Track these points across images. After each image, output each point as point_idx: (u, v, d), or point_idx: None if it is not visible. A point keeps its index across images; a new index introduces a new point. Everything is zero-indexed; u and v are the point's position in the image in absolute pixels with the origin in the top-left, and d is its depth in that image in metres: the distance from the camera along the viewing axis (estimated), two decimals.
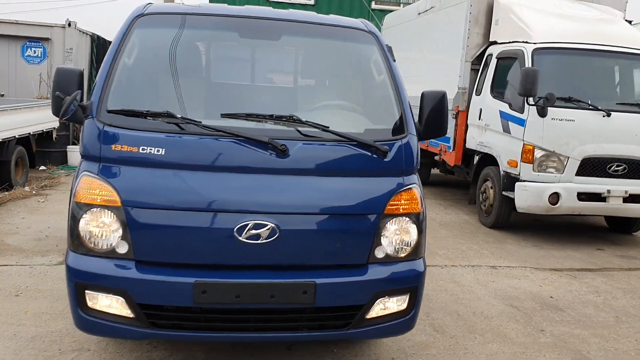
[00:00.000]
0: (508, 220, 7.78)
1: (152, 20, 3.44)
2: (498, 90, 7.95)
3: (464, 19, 8.64)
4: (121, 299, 2.85)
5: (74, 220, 2.91)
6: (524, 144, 7.08)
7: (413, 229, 3.09)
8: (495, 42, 8.32)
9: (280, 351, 3.66)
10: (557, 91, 6.88)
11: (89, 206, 2.88)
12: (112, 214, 2.86)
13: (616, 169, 7.02)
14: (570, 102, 6.95)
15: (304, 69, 3.61)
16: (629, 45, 7.42)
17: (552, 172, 7.01)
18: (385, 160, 3.08)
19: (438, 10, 9.87)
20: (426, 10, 10.40)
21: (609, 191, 6.97)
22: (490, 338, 4.17)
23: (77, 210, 2.90)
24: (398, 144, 3.13)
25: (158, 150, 2.90)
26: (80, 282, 2.88)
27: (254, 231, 2.85)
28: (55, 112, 3.06)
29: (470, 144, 8.50)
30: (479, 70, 8.55)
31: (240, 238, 2.84)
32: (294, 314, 2.93)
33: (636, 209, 7.14)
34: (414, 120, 3.29)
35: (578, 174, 6.98)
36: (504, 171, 7.50)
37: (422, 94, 3.39)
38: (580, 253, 6.90)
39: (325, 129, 3.03)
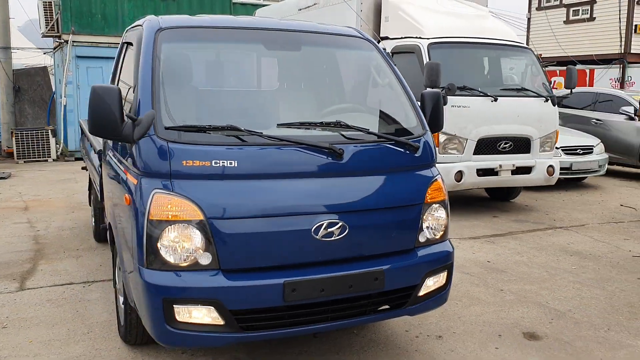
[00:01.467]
0: None
1: (175, 34, 3.50)
2: None
3: (355, 16, 9.23)
4: (212, 308, 2.97)
5: (150, 239, 2.96)
6: None
7: (443, 214, 3.56)
8: (387, 38, 9.02)
9: (310, 340, 3.95)
10: (450, 81, 7.75)
11: (168, 223, 2.95)
12: (194, 228, 2.95)
13: (504, 146, 8.10)
14: (465, 90, 7.87)
15: (324, 77, 3.88)
16: (504, 38, 8.54)
17: (455, 153, 7.90)
18: (416, 155, 3.50)
19: (322, 7, 10.36)
20: (308, 7, 10.85)
21: (500, 166, 8.05)
22: (468, 302, 4.80)
23: (153, 229, 2.95)
24: (423, 140, 3.56)
25: (230, 163, 3.04)
26: (168, 298, 2.94)
27: (328, 230, 3.12)
28: (110, 133, 3.05)
29: None
30: None
31: (316, 237, 3.11)
32: (365, 299, 3.26)
33: (522, 179, 8.31)
34: None
35: (475, 153, 7.95)
36: None
37: (422, 94, 3.85)
38: (482, 222, 7.88)
39: (368, 131, 3.38)
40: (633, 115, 11.50)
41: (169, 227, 2.95)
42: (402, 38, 8.61)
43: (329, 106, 3.69)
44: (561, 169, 10.00)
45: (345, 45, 3.87)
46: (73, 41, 14.59)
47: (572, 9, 21.45)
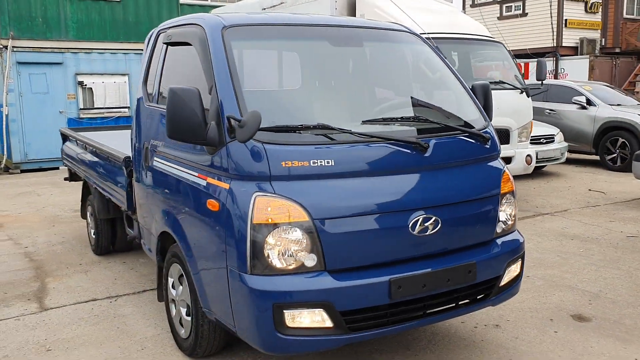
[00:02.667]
0: None
1: (241, 32, 3.38)
2: None
3: (329, 14, 9.22)
4: (322, 310, 2.89)
5: (254, 244, 2.85)
6: None
7: (513, 204, 3.63)
8: None
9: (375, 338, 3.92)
10: None
11: (273, 226, 2.85)
12: (299, 229, 2.87)
13: None
14: None
15: (387, 72, 3.84)
16: (476, 32, 8.78)
17: None
18: (486, 146, 3.54)
19: (290, 5, 10.27)
20: (274, 6, 10.73)
21: None
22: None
23: (257, 233, 2.84)
24: (488, 131, 3.61)
25: (328, 162, 2.97)
26: (278, 303, 2.84)
27: (423, 225, 3.11)
28: (194, 136, 2.95)
29: None
30: None
31: (413, 233, 3.09)
32: (458, 293, 3.26)
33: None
34: None
35: None
36: None
37: (473, 86, 3.90)
38: None
39: (445, 125, 3.40)
40: (585, 105, 12.09)
41: (275, 230, 2.85)
42: None
43: (394, 100, 3.67)
44: None
45: (400, 40, 3.86)
46: (13, 47, 13.79)
47: (505, 6, 22.33)
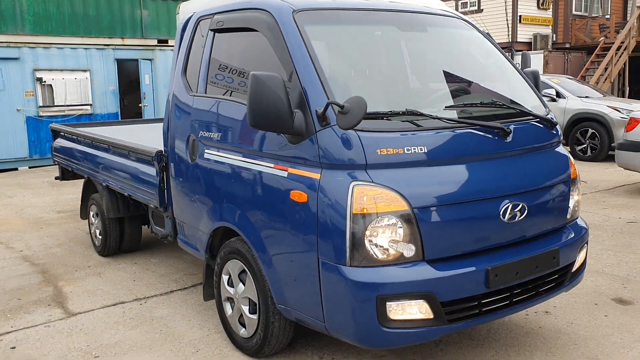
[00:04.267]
0: None
1: (312, 16, 3.25)
2: None
3: None
4: (423, 301, 2.80)
5: (354, 235, 2.74)
6: None
7: (578, 190, 3.64)
8: None
9: None
10: None
11: (374, 216, 2.74)
12: (400, 219, 2.78)
13: None
14: None
15: (451, 57, 3.75)
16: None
17: None
18: (554, 132, 3.54)
19: None
20: None
21: None
22: None
23: (356, 224, 2.74)
24: (552, 117, 3.61)
25: (421, 149, 2.89)
26: (381, 295, 2.74)
27: (513, 211, 3.07)
28: (280, 126, 2.84)
29: None
30: None
31: (504, 220, 3.04)
32: (542, 279, 3.24)
33: None
34: None
35: None
36: None
37: (525, 73, 3.90)
38: None
39: (521, 110, 3.38)
40: (555, 97, 12.43)
41: (375, 219, 2.74)
42: None
43: (466, 86, 3.61)
44: None
45: (457, 26, 3.81)
46: None
47: (460, 2, 22.74)
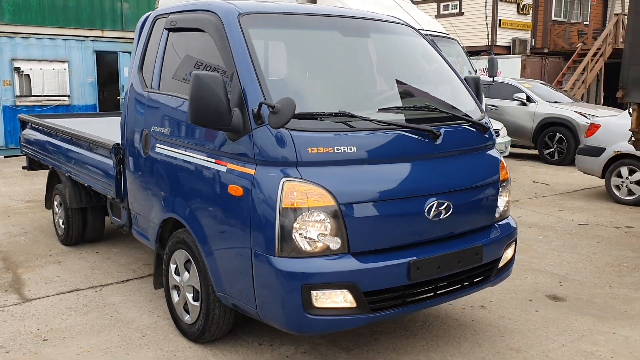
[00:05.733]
0: None
1: (257, 19, 3.42)
2: None
3: None
4: (346, 291, 3.00)
5: (282, 228, 2.93)
6: None
7: (508, 191, 3.85)
8: None
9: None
10: None
11: (301, 210, 2.93)
12: (326, 214, 2.96)
13: None
14: None
15: (392, 62, 3.95)
16: (431, 28, 9.10)
17: None
18: (486, 135, 3.75)
19: None
20: None
21: None
22: None
23: (285, 217, 2.92)
24: (487, 122, 3.82)
25: (351, 149, 3.08)
26: (307, 284, 2.93)
27: (438, 209, 3.27)
28: (218, 122, 3.00)
29: None
30: None
31: (429, 217, 3.24)
32: (465, 274, 3.45)
33: None
34: None
35: None
36: None
37: (466, 79, 4.11)
38: None
39: (452, 114, 3.58)
40: (525, 101, 12.71)
41: (303, 214, 2.93)
42: None
43: (402, 91, 3.80)
44: None
45: (400, 33, 4.00)
46: None
47: (442, 4, 23.00)
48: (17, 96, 13.98)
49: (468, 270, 3.45)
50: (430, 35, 8.92)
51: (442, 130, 3.40)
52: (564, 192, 9.24)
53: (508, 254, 3.76)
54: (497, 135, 11.35)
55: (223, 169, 3.26)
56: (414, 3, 23.77)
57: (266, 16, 3.51)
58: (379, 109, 3.35)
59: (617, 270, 5.30)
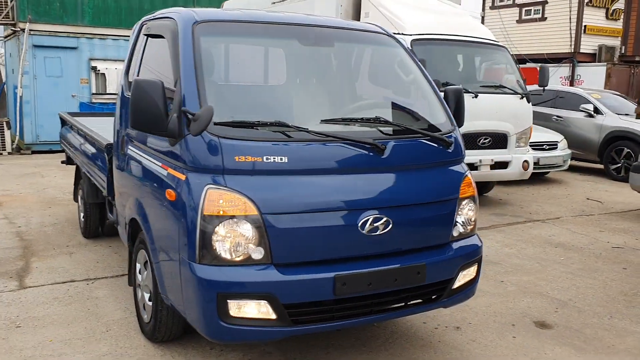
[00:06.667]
0: None
1: (212, 28, 3.46)
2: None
3: (334, 11, 9.28)
4: (265, 302, 2.97)
5: (203, 234, 2.94)
6: None
7: (473, 208, 3.67)
8: None
9: (337, 333, 4.00)
10: (432, 77, 7.89)
11: (222, 218, 2.94)
12: (247, 223, 2.95)
13: (484, 141, 8.33)
14: (448, 87, 8.03)
15: (357, 73, 3.92)
16: (482, 36, 8.78)
17: None
18: (448, 150, 3.59)
19: (298, 0, 10.35)
20: (282, 0, 10.82)
21: (480, 161, 8.28)
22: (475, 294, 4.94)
23: (206, 224, 2.93)
24: (453, 136, 3.66)
25: (281, 159, 3.04)
26: (222, 293, 2.93)
27: (373, 225, 3.17)
28: (156, 127, 3.02)
29: None
30: None
31: (363, 232, 3.15)
32: (406, 293, 3.32)
33: (500, 174, 8.57)
34: None
35: None
36: None
37: (445, 91, 3.95)
38: None
39: (406, 127, 3.45)
40: (592, 113, 12.00)
41: (224, 222, 2.94)
42: None
43: (361, 101, 3.73)
44: None
45: (373, 41, 3.92)
46: (30, 30, 14.03)
47: (524, 9, 22.14)
48: (93, 94, 14.86)
49: (411, 289, 3.32)
50: (477, 42, 8.64)
51: (390, 144, 3.30)
52: (615, 211, 8.64)
53: (466, 275, 3.58)
54: (555, 148, 10.82)
55: (165, 172, 3.33)
56: (496, 7, 23.13)
57: (224, 24, 3.54)
58: (321, 120, 3.30)
59: (629, 300, 4.90)
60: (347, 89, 3.69)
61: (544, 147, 10.69)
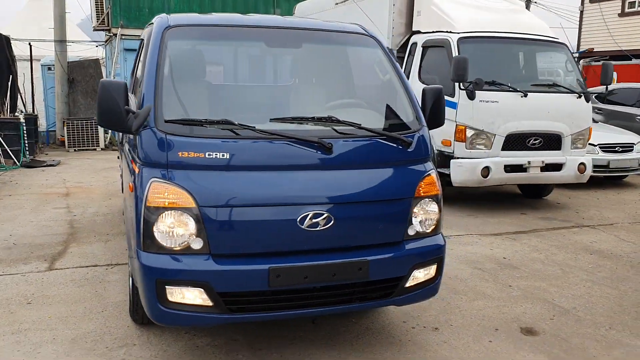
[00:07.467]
0: None
1: (182, 32, 3.69)
2: (426, 76, 8.70)
3: (388, 10, 9.29)
4: (201, 289, 3.16)
5: (146, 224, 3.17)
6: (456, 124, 7.88)
7: (435, 208, 3.64)
8: (418, 32, 9.04)
9: (308, 326, 4.11)
10: (480, 75, 7.71)
11: (163, 209, 3.15)
12: (186, 214, 3.15)
13: (534, 142, 8.02)
14: (494, 85, 7.83)
15: (323, 73, 4.01)
16: (537, 32, 8.44)
17: (482, 149, 7.87)
18: (409, 150, 3.59)
19: (358, 1, 10.44)
20: (344, 1, 10.95)
21: (529, 162, 7.97)
22: (473, 296, 4.85)
23: (149, 214, 3.16)
24: (417, 136, 3.64)
25: (223, 155, 3.21)
26: (160, 279, 3.15)
27: (313, 220, 3.26)
28: (117, 125, 3.27)
29: None
30: (403, 58, 9.26)
31: (302, 227, 3.25)
32: (350, 288, 3.38)
33: (551, 176, 8.21)
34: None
35: (503, 148, 7.90)
36: (437, 150, 8.28)
37: (424, 90, 3.92)
38: (509, 218, 7.83)
39: (359, 126, 3.50)
40: None
41: (164, 213, 3.15)
42: (433, 32, 8.63)
43: (326, 102, 3.81)
44: (599, 167, 9.86)
45: (347, 42, 3.98)
46: (121, 34, 15.12)
47: (627, 1, 20.73)
48: None
49: (355, 285, 3.37)
50: (531, 39, 8.32)
51: (339, 143, 3.37)
52: None
53: (421, 274, 3.57)
54: (630, 150, 10.18)
55: (131, 166, 3.61)
56: (596, 1, 21.81)
57: (195, 29, 3.76)
58: (270, 119, 3.42)
59: None
60: (311, 89, 3.78)
61: (617, 149, 10.07)
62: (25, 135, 12.22)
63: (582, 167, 8.25)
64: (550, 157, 8.10)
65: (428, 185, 3.62)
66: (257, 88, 3.73)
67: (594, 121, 11.86)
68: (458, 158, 7.91)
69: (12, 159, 11.70)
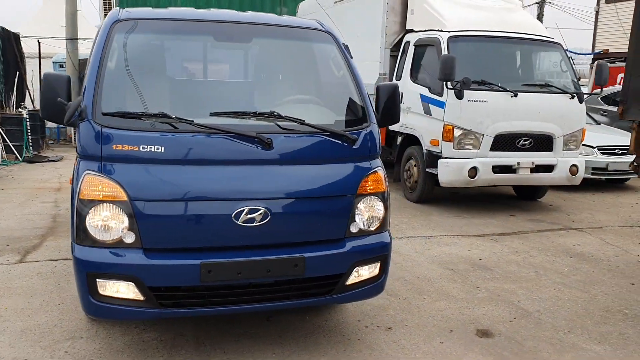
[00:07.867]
0: (431, 195, 8.52)
1: (129, 25, 3.68)
2: (417, 74, 8.62)
3: (382, 9, 9.22)
4: (132, 284, 3.15)
5: (79, 217, 3.17)
6: (444, 124, 7.79)
7: (380, 206, 3.59)
8: (412, 30, 8.96)
9: (261, 322, 4.08)
10: (470, 75, 7.61)
11: (95, 202, 3.15)
12: (119, 208, 3.14)
13: (524, 143, 7.89)
14: (483, 84, 7.72)
15: (274, 68, 3.99)
16: (530, 32, 8.31)
17: (470, 149, 7.77)
18: (354, 147, 3.54)
19: None
20: (343, 0, 10.92)
21: (518, 163, 7.85)
22: (437, 297, 4.78)
23: (82, 207, 3.16)
24: (364, 133, 3.60)
25: (158, 148, 3.20)
26: (91, 272, 3.15)
27: (249, 215, 3.23)
28: (57, 118, 3.28)
29: (394, 126, 9.13)
30: (397, 56, 9.18)
31: (237, 222, 3.22)
32: (287, 285, 3.35)
33: (541, 178, 8.08)
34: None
35: (492, 149, 7.79)
36: (426, 150, 8.20)
37: (378, 87, 3.87)
38: (496, 220, 7.72)
39: (302, 122, 3.46)
40: None
41: (96, 206, 3.15)
42: (425, 31, 8.55)
43: (274, 97, 3.78)
44: (597, 169, 9.69)
45: (300, 38, 3.94)
46: None
47: None
48: None
49: (292, 281, 3.34)
50: (524, 39, 8.20)
51: (280, 139, 3.34)
52: None
53: (364, 271, 3.52)
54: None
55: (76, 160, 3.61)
56: (612, 1, 21.46)
57: (145, 22, 3.75)
58: (210, 113, 3.40)
59: (605, 317, 4.49)
60: (259, 85, 3.75)
61: (616, 151, 9.87)
62: (29, 130, 12.37)
63: (574, 168, 8.10)
64: (541, 158, 7.97)
65: (374, 182, 3.57)
66: (202, 83, 3.72)
67: (597, 123, 11.69)
68: (445, 158, 7.82)
69: (15, 153, 11.86)
